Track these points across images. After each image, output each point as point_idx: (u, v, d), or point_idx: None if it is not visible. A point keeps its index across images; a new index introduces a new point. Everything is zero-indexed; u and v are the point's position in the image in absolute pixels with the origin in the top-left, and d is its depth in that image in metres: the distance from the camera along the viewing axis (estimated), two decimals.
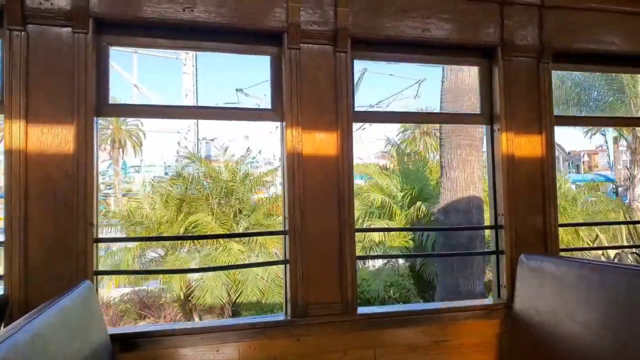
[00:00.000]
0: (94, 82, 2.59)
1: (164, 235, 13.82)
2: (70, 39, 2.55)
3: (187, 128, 36.21)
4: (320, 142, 2.86)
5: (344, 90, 2.90)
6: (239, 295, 13.00)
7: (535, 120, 3.24)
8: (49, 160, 2.49)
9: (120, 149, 40.03)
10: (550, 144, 3.25)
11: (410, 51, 3.20)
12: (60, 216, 2.49)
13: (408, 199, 15.80)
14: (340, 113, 2.89)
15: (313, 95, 2.86)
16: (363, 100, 30.95)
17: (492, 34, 3.18)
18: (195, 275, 13.34)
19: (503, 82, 3.18)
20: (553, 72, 3.34)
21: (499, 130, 3.20)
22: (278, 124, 2.94)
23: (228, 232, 14.08)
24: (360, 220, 15.59)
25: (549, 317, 2.66)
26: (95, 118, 2.61)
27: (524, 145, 3.20)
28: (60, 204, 2.50)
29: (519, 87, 3.22)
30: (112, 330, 2.53)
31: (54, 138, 2.50)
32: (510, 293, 3.06)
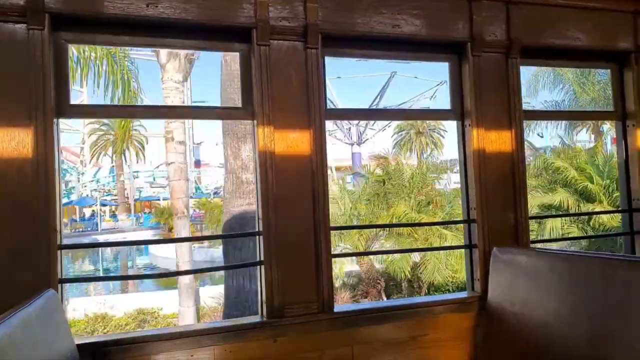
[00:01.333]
0: (52, 82, 2.47)
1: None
2: (24, 35, 2.42)
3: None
4: (293, 141, 2.82)
5: (316, 86, 2.86)
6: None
7: (505, 116, 3.27)
8: (6, 164, 2.37)
9: (122, 155, 39.21)
10: (520, 138, 3.29)
11: (381, 47, 3.19)
12: (20, 222, 2.37)
13: None
14: (312, 110, 2.85)
15: (284, 93, 2.82)
16: (392, 101, 32.70)
17: (462, 30, 3.19)
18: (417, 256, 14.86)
19: (473, 77, 3.20)
20: (522, 67, 3.39)
21: (469, 125, 3.22)
22: None
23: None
24: None
25: (522, 308, 2.69)
26: (55, 119, 2.50)
27: (495, 141, 3.23)
28: (20, 209, 2.38)
29: (488, 83, 3.24)
30: (80, 339, 2.43)
31: (11, 141, 2.38)
32: (484, 286, 3.09)
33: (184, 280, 13.29)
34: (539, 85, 24.08)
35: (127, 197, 47.12)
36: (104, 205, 45.84)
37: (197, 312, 13.88)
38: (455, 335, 3.06)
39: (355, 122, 33.22)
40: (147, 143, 40.33)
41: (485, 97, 3.22)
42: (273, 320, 2.73)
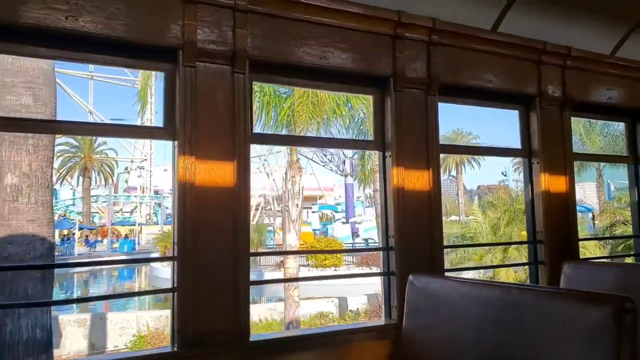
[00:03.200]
0: None
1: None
2: None
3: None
4: (216, 166, 2.77)
5: (242, 111, 2.85)
6: None
7: (423, 148, 3.43)
8: None
9: (89, 178, 36.51)
10: (436, 171, 3.45)
11: (309, 77, 3.25)
12: None
13: None
14: (237, 135, 2.83)
15: (209, 115, 2.78)
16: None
17: (385, 65, 3.33)
18: None
19: (395, 111, 3.34)
20: (440, 104, 3.58)
21: (390, 157, 3.34)
22: None
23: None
24: None
25: (434, 334, 2.78)
26: None
27: (413, 173, 3.37)
28: None
29: (409, 117, 3.39)
30: None
31: None
32: (401, 313, 3.15)
33: None
34: None
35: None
36: (81, 229, 43.24)
37: None
38: None
39: (350, 154, 31.68)
40: (117, 167, 38.40)
41: (405, 131, 3.36)
42: (185, 350, 2.62)
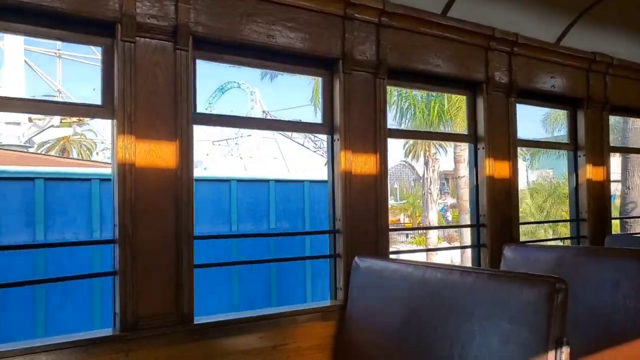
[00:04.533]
0: None
1: None
2: None
3: None
4: (157, 147, 2.68)
5: (184, 89, 2.76)
6: None
7: (371, 132, 3.44)
8: None
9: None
10: (383, 155, 3.48)
11: (256, 56, 3.18)
12: None
13: None
14: (180, 114, 2.74)
15: (150, 93, 2.68)
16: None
17: (334, 46, 3.30)
18: None
19: (343, 94, 3.32)
20: (388, 87, 3.59)
21: (338, 140, 3.34)
22: None
23: None
24: None
25: (376, 315, 2.84)
26: None
27: (360, 156, 3.38)
28: None
29: (357, 100, 3.39)
30: None
31: None
32: (346, 294, 3.19)
33: None
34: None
35: None
36: None
37: None
38: (317, 344, 3.12)
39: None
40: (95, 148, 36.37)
41: (353, 114, 3.36)
42: (126, 333, 2.56)
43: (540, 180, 25.92)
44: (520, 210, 5.07)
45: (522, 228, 4.47)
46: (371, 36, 3.45)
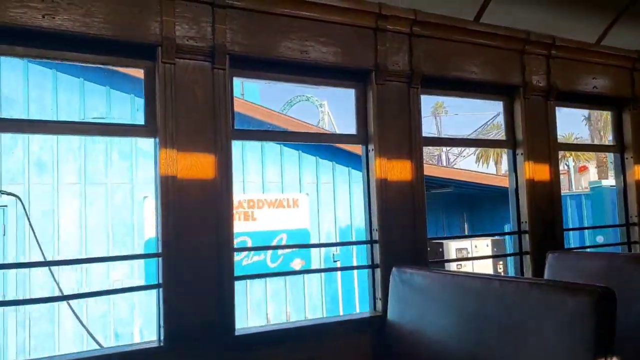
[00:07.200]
0: None
1: None
2: None
3: None
4: (197, 162, 2.77)
5: (223, 107, 2.85)
6: None
7: (406, 141, 3.44)
8: None
9: None
10: (419, 163, 3.47)
11: (290, 72, 3.24)
12: None
13: None
14: (219, 131, 2.83)
15: (190, 112, 2.78)
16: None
17: (367, 58, 3.33)
18: None
19: (376, 104, 3.34)
20: (422, 96, 3.59)
21: (372, 150, 3.35)
22: None
23: None
24: None
25: (418, 326, 2.81)
26: None
27: (396, 165, 3.38)
28: None
29: (391, 110, 3.40)
30: None
31: None
32: (385, 305, 3.18)
33: None
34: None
35: None
36: None
37: None
38: (356, 354, 3.12)
39: (445, 148, 37.37)
40: None
41: (387, 124, 3.37)
42: (170, 344, 2.64)
43: None
44: None
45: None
46: (404, 46, 3.46)
